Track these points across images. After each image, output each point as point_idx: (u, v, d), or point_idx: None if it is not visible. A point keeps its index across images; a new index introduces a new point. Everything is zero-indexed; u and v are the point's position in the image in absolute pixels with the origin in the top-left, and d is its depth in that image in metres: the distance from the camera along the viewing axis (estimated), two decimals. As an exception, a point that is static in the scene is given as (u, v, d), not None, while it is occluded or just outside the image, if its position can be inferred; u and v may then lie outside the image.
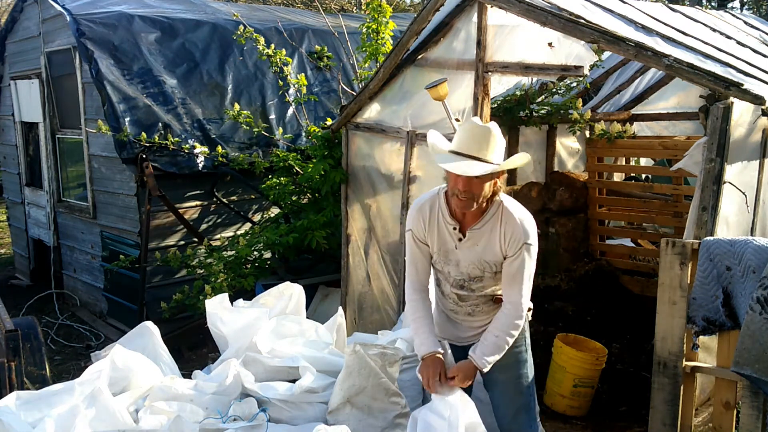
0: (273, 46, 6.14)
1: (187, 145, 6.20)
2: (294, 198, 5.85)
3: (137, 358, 3.38)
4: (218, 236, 6.40)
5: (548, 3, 3.91)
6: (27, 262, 8.50)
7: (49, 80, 7.28)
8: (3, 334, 3.23)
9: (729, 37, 5.07)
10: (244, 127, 6.20)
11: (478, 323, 2.99)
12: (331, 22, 7.48)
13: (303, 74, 6.34)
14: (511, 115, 5.49)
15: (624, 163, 6.30)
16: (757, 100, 3.33)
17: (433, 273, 3.05)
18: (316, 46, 7.57)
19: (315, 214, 5.43)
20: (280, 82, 6.22)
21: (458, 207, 2.77)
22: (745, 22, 6.18)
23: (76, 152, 7.13)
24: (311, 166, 5.30)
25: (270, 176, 5.83)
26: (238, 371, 3.21)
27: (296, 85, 6.18)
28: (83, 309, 7.33)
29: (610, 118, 6.14)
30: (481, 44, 4.15)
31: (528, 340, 3.04)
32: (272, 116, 6.94)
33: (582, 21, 3.73)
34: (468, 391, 2.96)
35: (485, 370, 2.85)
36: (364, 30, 5.77)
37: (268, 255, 5.73)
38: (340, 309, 3.91)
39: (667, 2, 7.25)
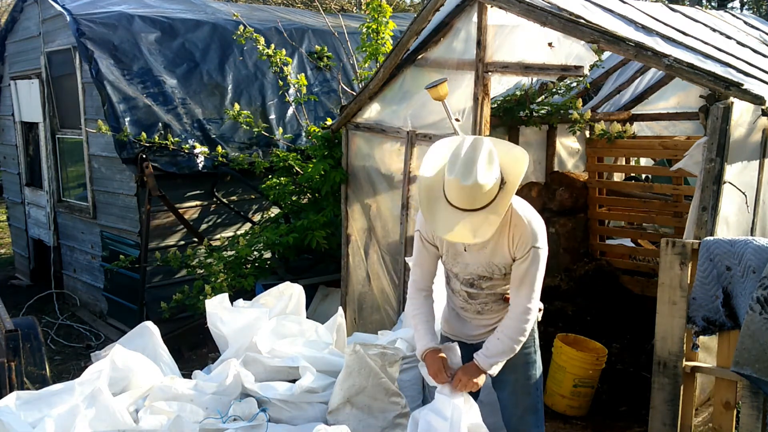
0: (273, 46, 6.14)
1: (187, 145, 6.20)
2: (294, 198, 5.85)
3: (137, 358, 3.38)
4: (218, 236, 6.41)
5: (548, 3, 3.91)
6: (27, 262, 8.50)
7: (49, 80, 7.28)
8: (3, 334, 3.23)
9: (729, 37, 5.07)
10: (244, 127, 6.20)
11: (487, 321, 2.97)
12: (331, 22, 7.48)
13: (303, 74, 6.34)
14: (511, 115, 5.49)
15: (624, 163, 6.30)
16: (757, 100, 3.33)
17: (443, 270, 3.04)
18: (316, 46, 7.57)
19: (315, 214, 5.43)
20: (280, 82, 6.22)
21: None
22: (745, 22, 6.17)
23: (76, 152, 7.13)
24: (311, 166, 5.30)
25: (270, 176, 5.83)
26: (238, 371, 3.21)
27: (296, 85, 6.18)
28: (83, 309, 7.33)
29: (610, 118, 6.14)
30: (481, 44, 4.15)
31: (537, 342, 3.02)
32: (272, 116, 6.94)
33: (582, 21, 3.73)
34: (475, 393, 2.95)
35: (491, 372, 2.83)
36: (364, 30, 5.77)
37: (268, 255, 5.73)
38: (340, 309, 3.91)
39: (667, 2, 7.25)
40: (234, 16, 6.99)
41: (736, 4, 22.30)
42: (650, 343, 3.65)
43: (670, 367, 3.30)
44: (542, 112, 5.71)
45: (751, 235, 3.81)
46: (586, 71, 4.06)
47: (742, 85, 3.38)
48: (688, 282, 3.22)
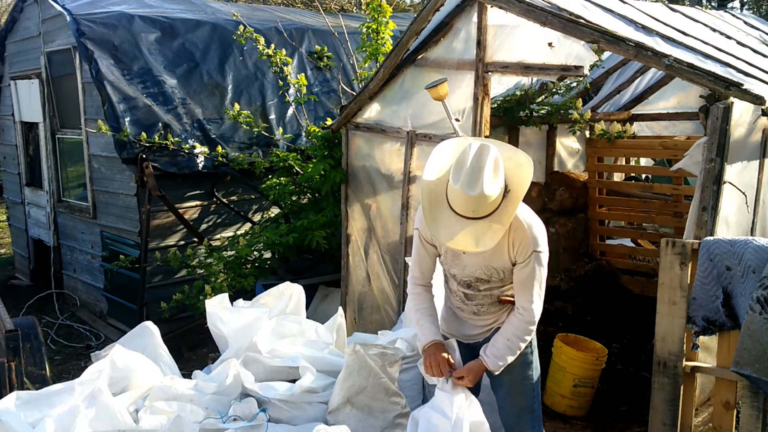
0: (273, 46, 6.14)
1: (187, 145, 6.20)
2: (294, 198, 5.85)
3: (137, 358, 3.37)
4: (218, 236, 6.41)
5: (548, 3, 3.91)
6: (27, 262, 8.50)
7: (49, 80, 7.28)
8: (3, 334, 3.22)
9: (729, 37, 5.06)
10: (244, 127, 6.20)
11: (483, 322, 2.98)
12: (331, 22, 7.49)
13: (303, 74, 6.34)
14: (511, 115, 5.49)
15: (624, 163, 6.30)
16: (757, 100, 3.33)
17: (441, 269, 3.04)
18: (316, 46, 7.57)
19: (315, 214, 5.43)
20: (280, 82, 6.22)
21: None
22: (745, 22, 6.17)
23: (76, 152, 7.13)
24: (311, 166, 5.30)
25: (270, 176, 5.84)
26: (238, 371, 3.21)
27: (296, 85, 6.18)
28: (83, 309, 7.33)
29: (610, 118, 6.14)
30: (481, 44, 4.15)
31: (534, 343, 3.03)
32: (272, 116, 6.94)
33: (582, 21, 3.73)
34: (476, 392, 2.96)
35: (496, 372, 2.84)
36: (364, 30, 5.77)
37: (268, 255, 5.73)
38: (340, 309, 3.91)
39: (667, 2, 7.25)
40: (234, 16, 6.98)
41: (736, 4, 22.30)
42: (650, 343, 3.65)
43: (670, 367, 3.30)
44: (542, 112, 5.71)
45: (751, 235, 3.81)
46: (586, 71, 4.06)
47: (742, 85, 3.37)
48: (688, 282, 3.22)
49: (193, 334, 5.88)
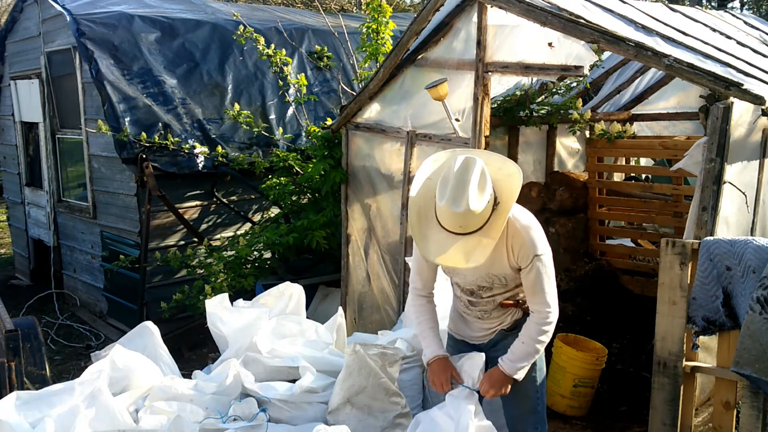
0: (273, 46, 6.14)
1: (187, 145, 6.20)
2: (294, 198, 5.85)
3: (137, 358, 3.37)
4: (218, 236, 6.41)
5: (548, 3, 3.91)
6: (27, 262, 8.50)
7: (49, 80, 7.28)
8: (3, 334, 3.22)
9: (729, 37, 5.06)
10: (244, 127, 6.20)
11: (488, 325, 3.00)
12: (331, 22, 7.48)
13: (303, 74, 6.34)
14: (511, 115, 5.49)
15: (624, 163, 6.30)
16: (757, 100, 3.33)
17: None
18: (316, 46, 7.57)
19: (315, 214, 5.43)
20: (280, 82, 6.22)
21: None
22: (745, 22, 6.17)
23: (76, 152, 7.13)
24: (311, 166, 5.30)
25: (270, 176, 5.83)
26: (238, 371, 3.21)
27: (296, 85, 6.18)
28: (83, 309, 7.33)
29: (610, 118, 6.14)
30: (481, 44, 4.15)
31: None
32: (272, 116, 6.94)
33: (582, 21, 3.73)
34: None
35: (516, 376, 2.83)
36: (364, 30, 5.77)
37: (268, 255, 5.73)
38: (340, 309, 3.91)
39: (667, 2, 7.25)
40: (234, 16, 6.98)
41: (736, 4, 22.30)
42: (650, 343, 3.65)
43: (670, 367, 3.30)
44: (542, 112, 5.71)
45: (751, 235, 3.81)
46: (586, 71, 4.06)
47: (742, 85, 3.37)
48: (688, 282, 3.22)
49: (193, 334, 5.88)
